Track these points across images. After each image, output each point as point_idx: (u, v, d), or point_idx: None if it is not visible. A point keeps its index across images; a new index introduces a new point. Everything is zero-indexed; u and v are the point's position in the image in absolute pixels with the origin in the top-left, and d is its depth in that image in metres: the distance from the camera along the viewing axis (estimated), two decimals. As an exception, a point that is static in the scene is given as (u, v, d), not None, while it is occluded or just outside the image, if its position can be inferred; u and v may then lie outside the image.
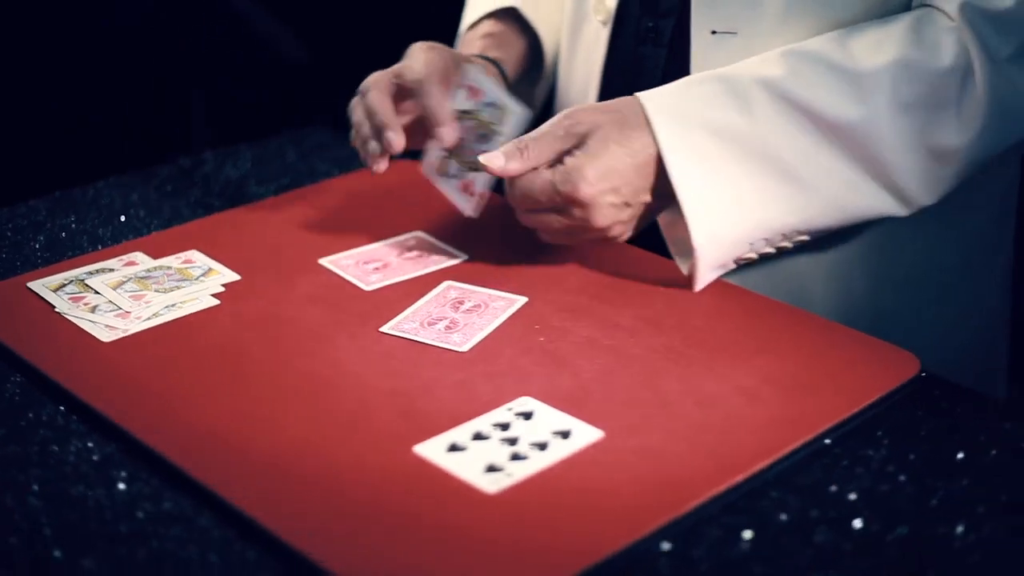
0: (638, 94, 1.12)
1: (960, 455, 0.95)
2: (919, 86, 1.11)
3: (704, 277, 1.13)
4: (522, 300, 1.13)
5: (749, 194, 1.11)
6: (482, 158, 1.11)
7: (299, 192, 1.34)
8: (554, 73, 1.38)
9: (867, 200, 1.14)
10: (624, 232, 1.14)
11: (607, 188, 1.09)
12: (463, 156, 1.19)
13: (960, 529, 0.88)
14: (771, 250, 1.16)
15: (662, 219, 1.17)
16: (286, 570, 0.84)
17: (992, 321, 1.33)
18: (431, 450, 0.94)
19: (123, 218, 1.30)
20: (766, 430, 0.96)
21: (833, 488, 0.92)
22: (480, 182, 1.18)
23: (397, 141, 1.16)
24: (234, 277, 1.17)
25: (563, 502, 0.89)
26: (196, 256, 1.21)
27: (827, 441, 0.97)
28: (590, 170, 1.08)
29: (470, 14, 1.37)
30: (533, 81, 1.38)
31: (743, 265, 1.17)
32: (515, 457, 0.93)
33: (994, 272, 1.31)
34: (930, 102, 1.12)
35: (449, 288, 1.15)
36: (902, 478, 0.93)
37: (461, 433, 0.96)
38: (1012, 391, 1.38)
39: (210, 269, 1.18)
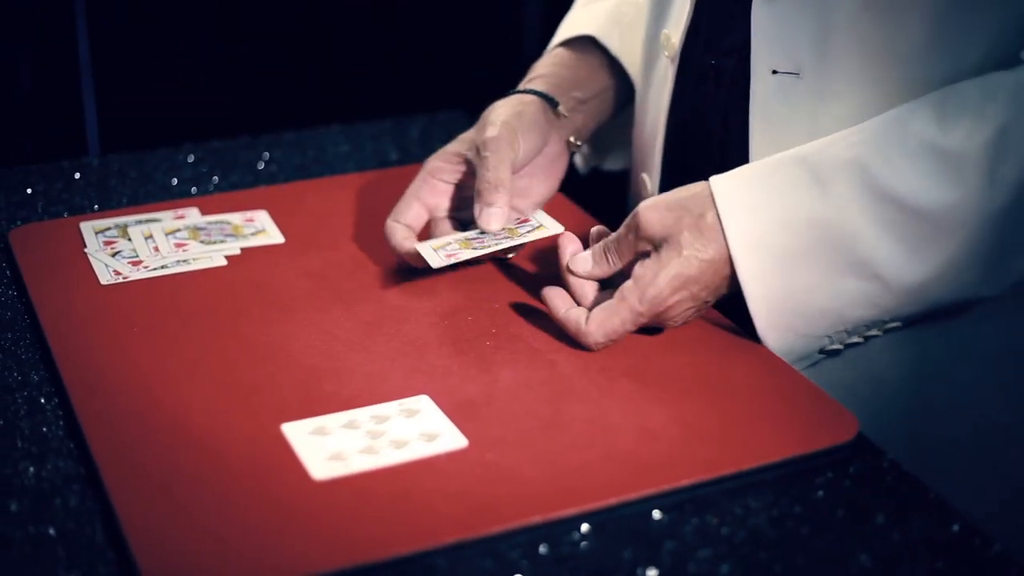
0: (712, 185, 1.05)
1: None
2: (1021, 163, 1.00)
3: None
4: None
5: (822, 289, 1.04)
6: (570, 263, 1.08)
7: (397, 171, 1.37)
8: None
9: (952, 289, 1.05)
10: (697, 313, 1.09)
11: (686, 296, 1.05)
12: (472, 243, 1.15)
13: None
14: (859, 339, 1.09)
15: None
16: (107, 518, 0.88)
17: None
18: (295, 430, 0.95)
19: (223, 179, 1.37)
20: (636, 469, 0.91)
21: (671, 544, 0.86)
22: (462, 256, 1.13)
23: None
24: (279, 240, 1.22)
25: (375, 499, 0.88)
26: (260, 216, 1.26)
27: (702, 492, 0.91)
28: (664, 281, 1.03)
29: (550, 45, 1.33)
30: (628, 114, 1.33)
31: None
32: (366, 450, 0.93)
33: None
34: None
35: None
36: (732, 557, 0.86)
37: (336, 419, 0.96)
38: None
39: (263, 230, 1.23)
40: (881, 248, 1.02)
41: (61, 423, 0.97)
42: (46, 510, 0.88)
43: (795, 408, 0.99)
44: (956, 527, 0.87)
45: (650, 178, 1.24)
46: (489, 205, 1.14)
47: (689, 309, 1.06)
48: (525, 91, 1.23)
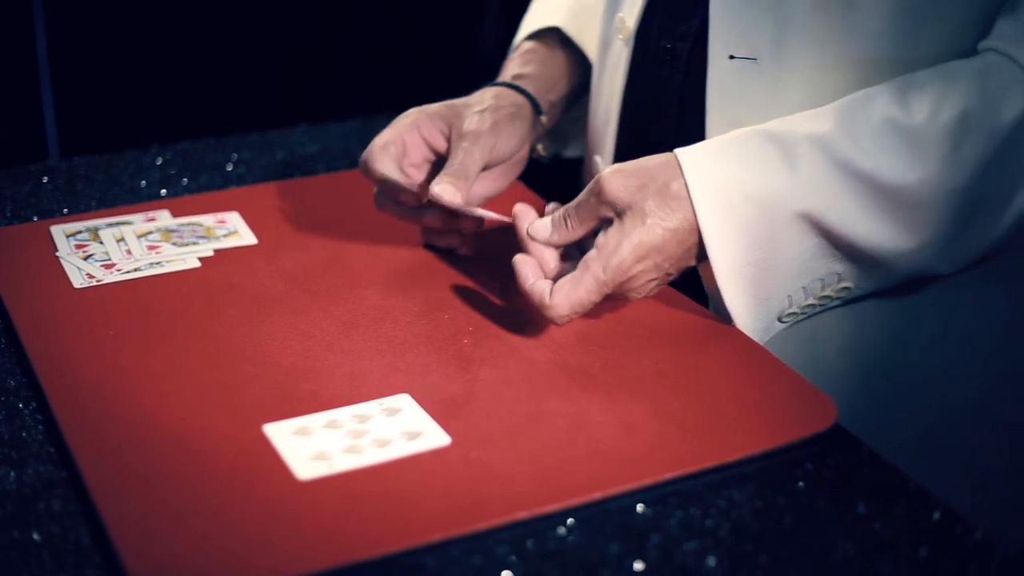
0: (678, 155, 1.05)
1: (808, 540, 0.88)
2: (983, 148, 1.03)
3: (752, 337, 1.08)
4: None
5: (790, 256, 1.06)
6: (530, 230, 1.08)
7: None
8: None
9: (911, 263, 1.07)
10: (661, 285, 1.09)
11: (650, 266, 1.05)
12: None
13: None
14: (814, 302, 1.10)
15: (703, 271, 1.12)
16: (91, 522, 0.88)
17: None
18: (277, 431, 0.95)
19: (189, 179, 1.37)
20: (620, 464, 0.92)
21: (656, 538, 0.87)
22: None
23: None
24: (252, 241, 1.22)
25: (361, 498, 0.88)
26: (232, 217, 1.26)
27: (687, 484, 0.91)
28: (627, 249, 1.03)
29: (517, 37, 1.35)
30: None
31: None
32: (350, 450, 0.93)
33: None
34: (993, 164, 1.03)
35: None
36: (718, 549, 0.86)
37: (317, 419, 0.96)
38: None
39: (235, 231, 1.23)
40: (847, 218, 1.04)
41: (40, 428, 0.97)
42: (29, 515, 0.88)
43: (774, 396, 1.00)
44: (937, 515, 0.88)
45: (603, 160, 1.25)
46: (443, 182, 1.13)
47: (652, 280, 1.06)
48: (519, 88, 1.24)
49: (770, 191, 1.04)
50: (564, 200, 1.09)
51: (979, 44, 1.07)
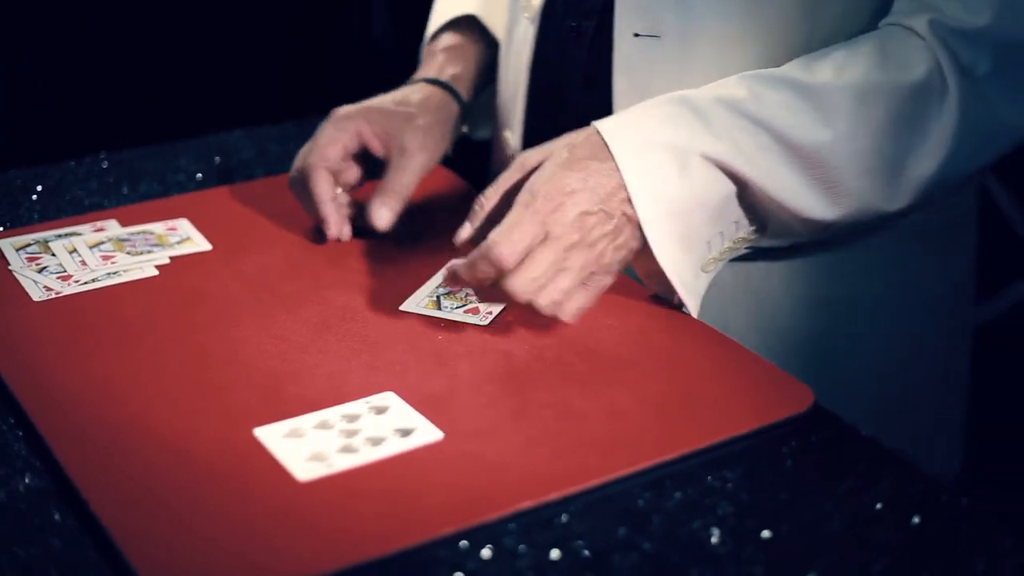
0: (595, 123, 1.06)
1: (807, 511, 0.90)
2: (886, 108, 1.06)
3: (687, 300, 1.08)
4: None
5: (706, 201, 1.06)
6: (454, 240, 1.07)
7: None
8: None
9: (823, 222, 1.10)
10: (617, 250, 1.05)
11: (578, 191, 1.02)
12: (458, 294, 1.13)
13: None
14: (731, 245, 1.10)
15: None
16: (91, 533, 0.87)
17: (937, 367, 1.26)
18: (269, 433, 0.95)
19: (129, 187, 1.35)
20: (612, 450, 0.94)
21: (659, 519, 0.89)
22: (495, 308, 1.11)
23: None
24: (206, 247, 1.21)
25: (365, 496, 0.89)
26: (182, 224, 1.25)
27: (678, 467, 0.93)
28: (548, 170, 1.03)
29: (431, 25, 1.36)
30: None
31: None
32: (345, 449, 0.93)
33: (937, 310, 1.23)
34: (897, 124, 1.06)
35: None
36: (730, 522, 0.89)
37: (307, 420, 0.96)
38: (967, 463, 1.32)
39: (187, 238, 1.22)
40: (760, 170, 1.05)
41: (22, 443, 0.96)
42: (27, 530, 0.87)
43: (751, 383, 1.02)
44: (922, 484, 0.91)
45: (512, 135, 1.28)
46: (384, 205, 1.19)
47: (588, 215, 1.02)
48: (456, 94, 1.27)
49: (682, 138, 1.05)
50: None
51: (880, 22, 1.10)
